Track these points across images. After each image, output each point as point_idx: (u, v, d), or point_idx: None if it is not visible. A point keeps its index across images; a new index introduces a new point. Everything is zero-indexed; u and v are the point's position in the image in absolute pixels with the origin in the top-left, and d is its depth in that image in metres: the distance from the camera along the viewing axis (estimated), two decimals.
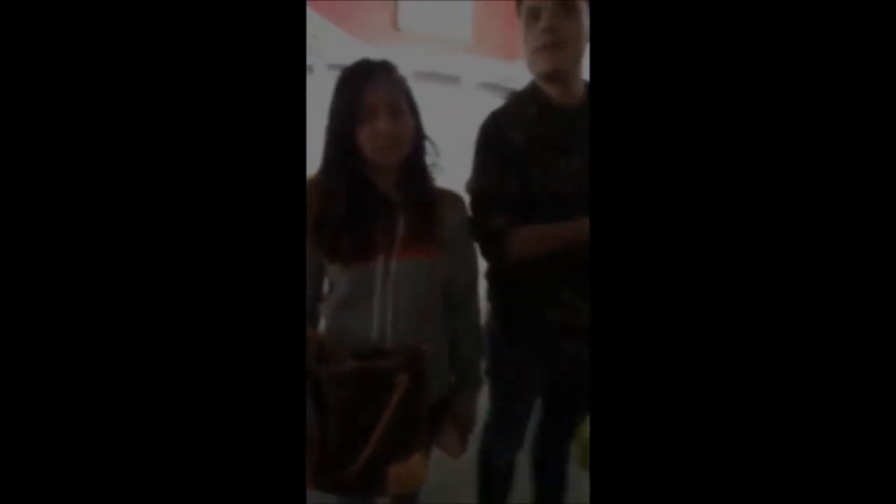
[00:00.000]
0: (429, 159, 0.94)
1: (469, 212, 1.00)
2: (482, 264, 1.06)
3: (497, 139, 1.01)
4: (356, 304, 0.89)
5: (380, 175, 0.88)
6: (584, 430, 1.41)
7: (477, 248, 1.03)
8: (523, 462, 1.34)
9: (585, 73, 1.01)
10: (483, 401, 1.11)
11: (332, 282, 0.93)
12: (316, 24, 3.87)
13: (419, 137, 0.91)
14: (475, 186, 1.02)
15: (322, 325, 0.96)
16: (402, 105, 0.86)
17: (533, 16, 0.98)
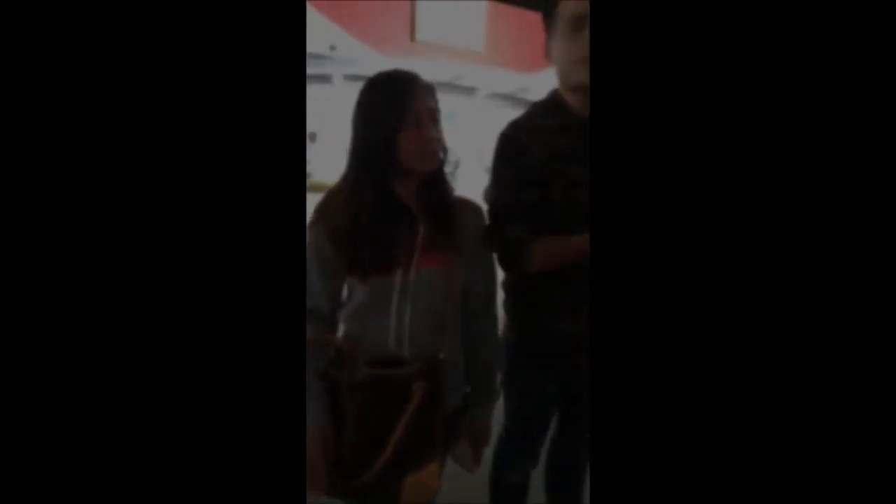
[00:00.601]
0: (448, 168, 0.94)
1: (487, 222, 1.00)
2: (500, 275, 1.06)
3: (517, 150, 1.01)
4: (374, 311, 0.89)
5: (402, 184, 0.89)
6: None
7: (495, 258, 1.02)
8: (537, 478, 1.32)
9: None
10: (499, 413, 1.10)
11: (351, 288, 0.93)
12: (335, 35, 3.93)
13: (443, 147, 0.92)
14: (494, 197, 1.02)
15: (340, 330, 0.96)
16: (437, 114, 0.88)
17: (577, 26, 0.96)
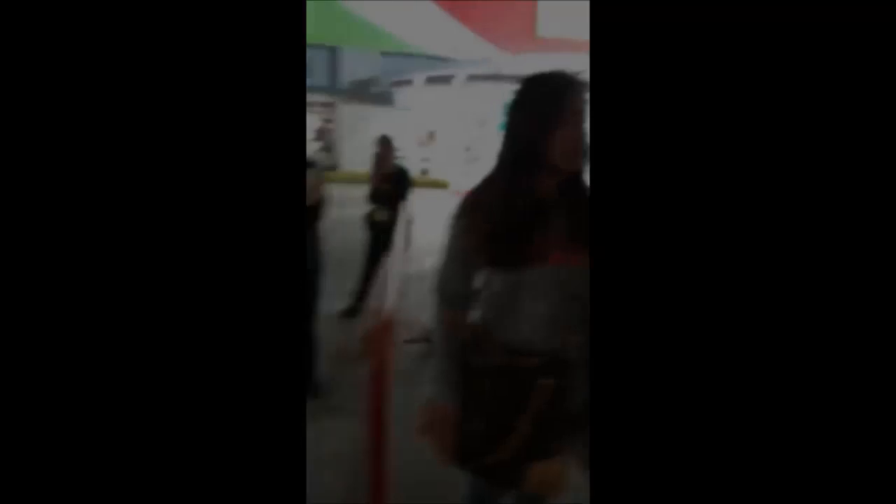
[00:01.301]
0: (584, 167, 0.93)
1: None
2: None
3: None
4: (508, 302, 0.92)
5: (545, 182, 0.89)
6: None
7: None
8: None
9: None
10: None
11: (489, 278, 0.96)
12: (457, 34, 3.99)
13: None
14: None
15: (475, 316, 0.99)
16: (586, 113, 0.87)
17: None
